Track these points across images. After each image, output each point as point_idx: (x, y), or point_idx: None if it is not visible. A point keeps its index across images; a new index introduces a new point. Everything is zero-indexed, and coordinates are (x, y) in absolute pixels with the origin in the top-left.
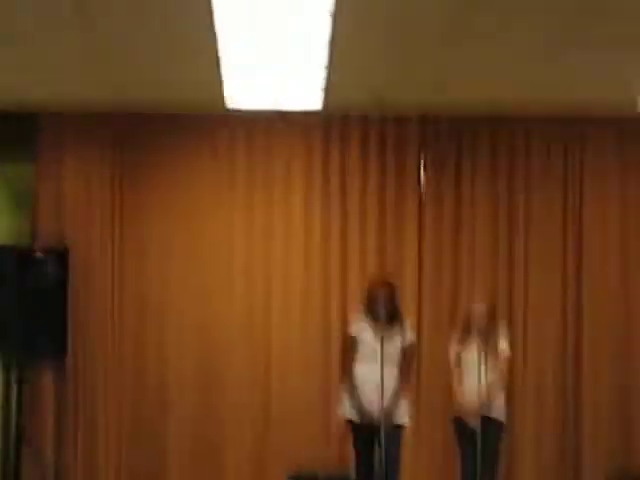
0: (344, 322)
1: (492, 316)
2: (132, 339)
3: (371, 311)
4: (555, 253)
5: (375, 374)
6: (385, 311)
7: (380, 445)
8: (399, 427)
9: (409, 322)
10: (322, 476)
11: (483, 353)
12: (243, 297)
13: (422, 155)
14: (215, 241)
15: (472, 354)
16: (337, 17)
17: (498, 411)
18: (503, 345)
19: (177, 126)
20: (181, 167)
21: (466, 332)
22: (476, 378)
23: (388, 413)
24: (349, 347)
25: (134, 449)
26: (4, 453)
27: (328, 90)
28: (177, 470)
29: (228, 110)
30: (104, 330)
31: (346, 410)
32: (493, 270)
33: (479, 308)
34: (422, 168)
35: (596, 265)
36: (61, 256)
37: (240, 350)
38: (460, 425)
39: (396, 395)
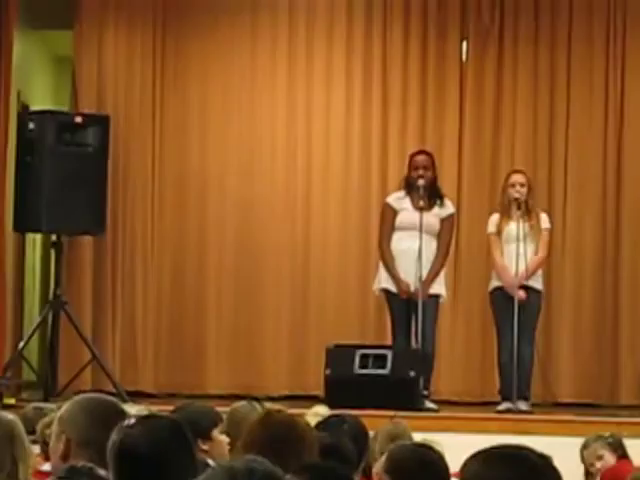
0: (384, 196)
1: (531, 187)
2: (172, 213)
3: (410, 181)
4: (596, 124)
5: (413, 244)
6: (424, 181)
7: (416, 315)
8: (436, 297)
9: (448, 194)
10: (360, 346)
11: (523, 225)
12: (284, 174)
13: (464, 25)
14: (256, 115)
15: (513, 225)
16: None
17: (537, 281)
18: (543, 216)
19: None
20: (223, 38)
21: (506, 204)
22: (515, 249)
23: (425, 283)
24: (387, 217)
25: (173, 323)
26: (43, 325)
27: None
28: (215, 354)
29: None
30: (144, 203)
31: (382, 279)
32: (533, 141)
33: (518, 177)
34: (464, 40)
35: (637, 130)
36: (102, 123)
37: (280, 227)
38: (499, 296)
39: (434, 266)
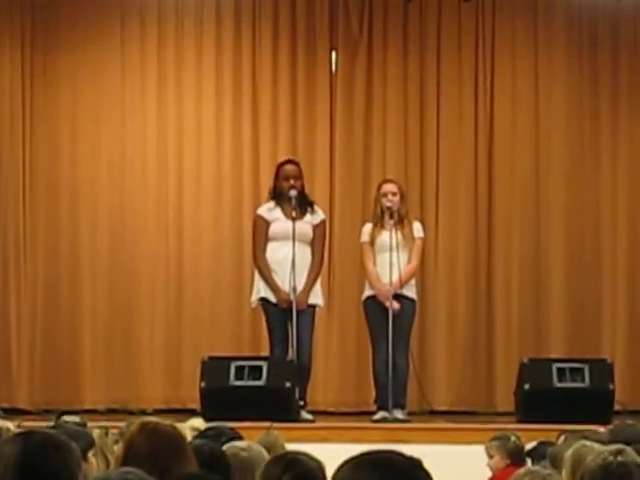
0: (256, 206)
1: (403, 195)
2: (44, 226)
3: (280, 190)
4: (466, 132)
5: (288, 253)
6: (296, 191)
7: (292, 324)
8: (313, 307)
9: (320, 204)
10: (235, 358)
11: (396, 234)
12: (155, 186)
13: (333, 35)
14: (127, 127)
15: (385, 234)
16: None
17: (410, 289)
18: (416, 225)
19: (87, 9)
20: (92, 52)
21: (379, 213)
22: (388, 258)
23: (303, 292)
24: (260, 229)
25: (47, 337)
26: None
27: None
28: (90, 368)
29: None
30: (15, 216)
31: (261, 289)
32: (404, 150)
33: (389, 186)
34: (333, 50)
35: (507, 137)
36: None
37: (152, 239)
38: (372, 305)
39: (310, 274)
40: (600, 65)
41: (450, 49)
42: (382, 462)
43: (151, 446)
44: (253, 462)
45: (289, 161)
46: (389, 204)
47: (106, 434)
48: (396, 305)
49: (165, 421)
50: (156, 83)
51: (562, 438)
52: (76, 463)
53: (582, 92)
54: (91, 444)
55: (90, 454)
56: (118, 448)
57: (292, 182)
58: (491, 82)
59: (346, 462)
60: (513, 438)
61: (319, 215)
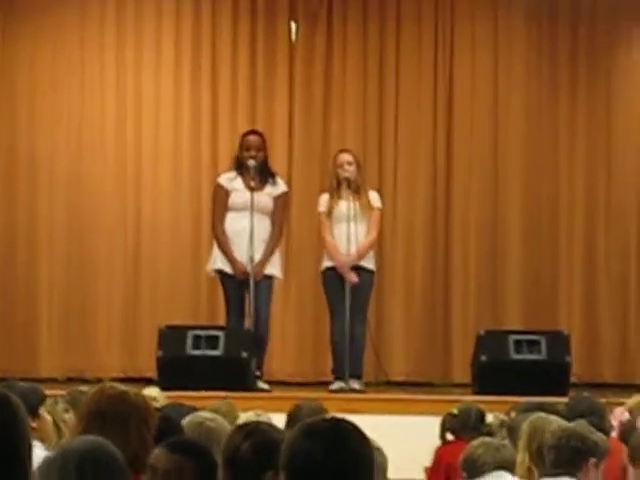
0: (214, 176)
1: (359, 165)
2: (1, 193)
3: (241, 161)
4: (425, 102)
5: (247, 224)
6: (255, 161)
7: (250, 295)
8: (270, 278)
9: (279, 173)
10: (192, 327)
11: (353, 203)
12: (114, 154)
13: (293, 5)
14: (86, 95)
15: (343, 204)
16: None
17: (368, 261)
18: (373, 195)
19: None
20: (52, 19)
21: (334, 184)
22: (346, 229)
23: (259, 263)
24: (219, 198)
25: (4, 305)
26: None
27: None
28: (47, 337)
29: None
30: None
31: (217, 260)
32: (363, 120)
33: (345, 156)
34: (293, 20)
35: (466, 107)
36: None
37: (110, 207)
38: (330, 276)
39: (268, 246)
40: (559, 34)
41: (410, 19)
42: (330, 431)
43: (95, 408)
44: (219, 431)
45: (252, 132)
46: (346, 174)
47: (56, 403)
48: (354, 278)
49: (120, 386)
50: (115, 50)
51: (513, 413)
52: (28, 424)
53: (541, 61)
54: (42, 399)
55: (42, 410)
56: (69, 417)
57: (253, 153)
58: (450, 51)
59: (295, 429)
60: (455, 412)
61: (280, 187)
